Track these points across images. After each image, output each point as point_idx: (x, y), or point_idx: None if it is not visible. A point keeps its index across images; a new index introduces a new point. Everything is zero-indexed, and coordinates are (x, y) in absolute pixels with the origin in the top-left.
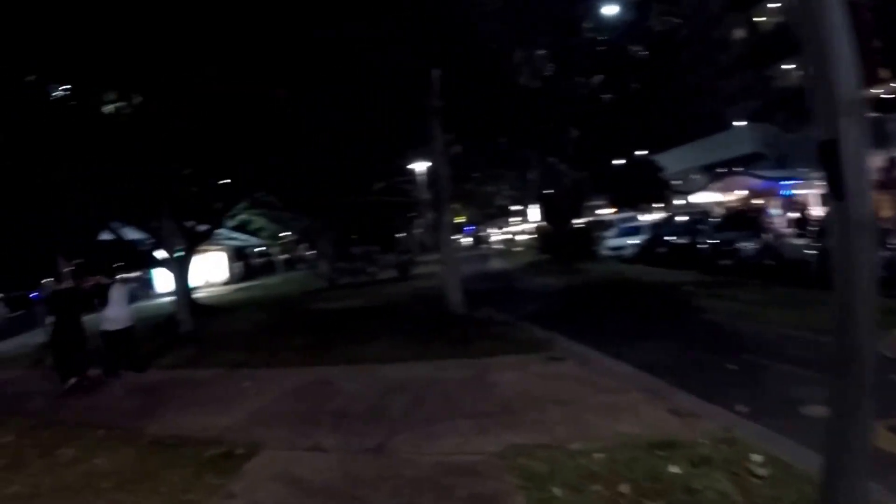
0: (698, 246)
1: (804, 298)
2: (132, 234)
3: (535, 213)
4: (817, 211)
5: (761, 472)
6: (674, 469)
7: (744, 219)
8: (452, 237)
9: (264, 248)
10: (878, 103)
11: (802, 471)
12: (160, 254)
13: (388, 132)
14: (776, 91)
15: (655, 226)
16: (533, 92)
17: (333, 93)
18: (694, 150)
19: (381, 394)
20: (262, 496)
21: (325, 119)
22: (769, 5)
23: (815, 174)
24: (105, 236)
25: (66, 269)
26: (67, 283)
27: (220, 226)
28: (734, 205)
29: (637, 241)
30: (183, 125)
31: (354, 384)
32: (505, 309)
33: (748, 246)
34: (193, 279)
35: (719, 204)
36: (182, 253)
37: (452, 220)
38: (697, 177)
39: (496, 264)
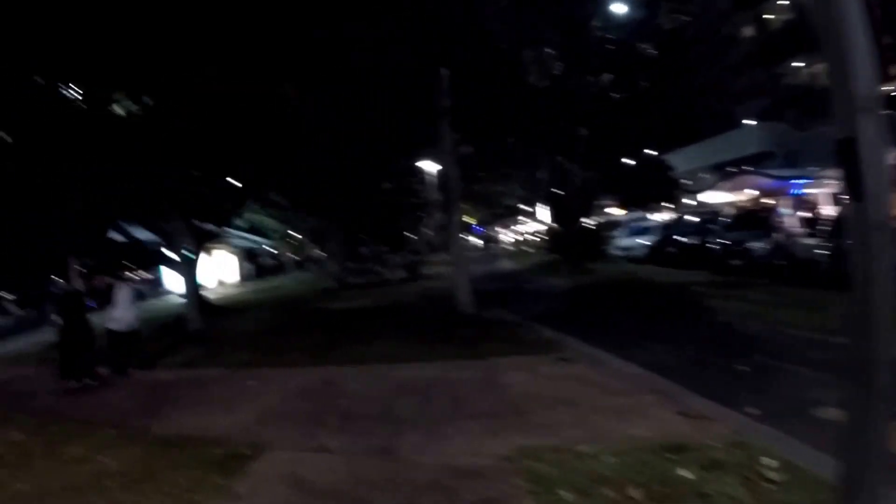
0: (708, 246)
1: (816, 299)
2: (141, 233)
3: (544, 213)
4: (828, 210)
5: (774, 476)
6: (685, 473)
7: (754, 218)
8: (461, 237)
9: (274, 249)
10: (890, 101)
11: (816, 476)
12: (169, 254)
13: (397, 132)
14: (786, 89)
15: (665, 226)
16: (542, 91)
17: (341, 93)
18: (703, 149)
19: (388, 394)
20: (267, 497)
21: (333, 119)
22: (778, 2)
23: (826, 173)
24: (115, 236)
25: (75, 269)
26: (76, 284)
27: (228, 226)
28: (744, 204)
29: (647, 241)
30: (191, 125)
31: (362, 384)
32: (514, 309)
33: (759, 246)
34: (203, 279)
35: (729, 203)
36: (190, 253)
37: (461, 220)
38: (706, 176)
39: (505, 264)
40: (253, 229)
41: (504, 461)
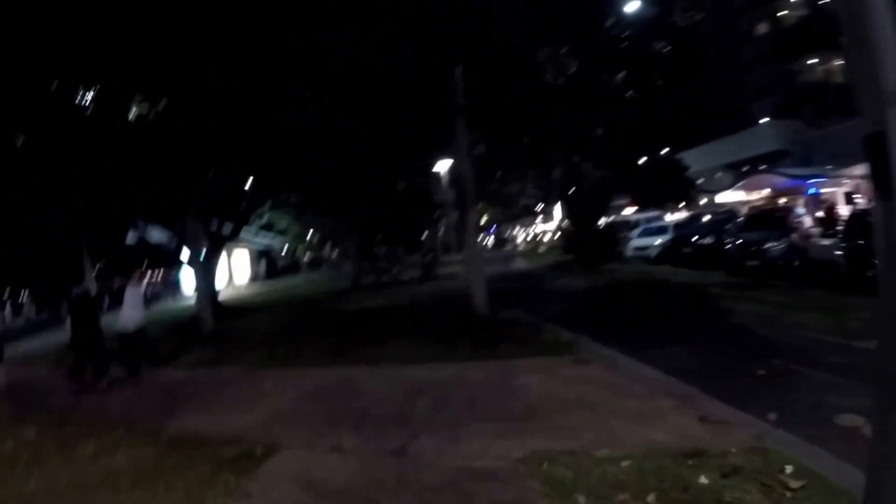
0: (725, 246)
1: (834, 302)
2: (158, 235)
3: (559, 212)
4: (845, 210)
5: (794, 484)
6: (703, 479)
7: (770, 218)
8: (476, 237)
9: (289, 249)
10: None
11: (837, 485)
12: (184, 254)
13: (411, 132)
14: (801, 86)
15: (680, 226)
16: (556, 89)
17: (355, 93)
18: (718, 148)
19: (403, 395)
20: (278, 497)
21: (347, 119)
22: None
23: (842, 171)
24: (131, 238)
25: (90, 271)
26: (88, 286)
27: (244, 226)
28: (760, 204)
29: (661, 242)
30: (205, 126)
31: (376, 385)
32: (529, 310)
33: (775, 246)
34: (218, 279)
35: (744, 203)
36: (205, 253)
37: (476, 220)
38: (721, 175)
39: (520, 264)
40: (269, 229)
41: (519, 464)
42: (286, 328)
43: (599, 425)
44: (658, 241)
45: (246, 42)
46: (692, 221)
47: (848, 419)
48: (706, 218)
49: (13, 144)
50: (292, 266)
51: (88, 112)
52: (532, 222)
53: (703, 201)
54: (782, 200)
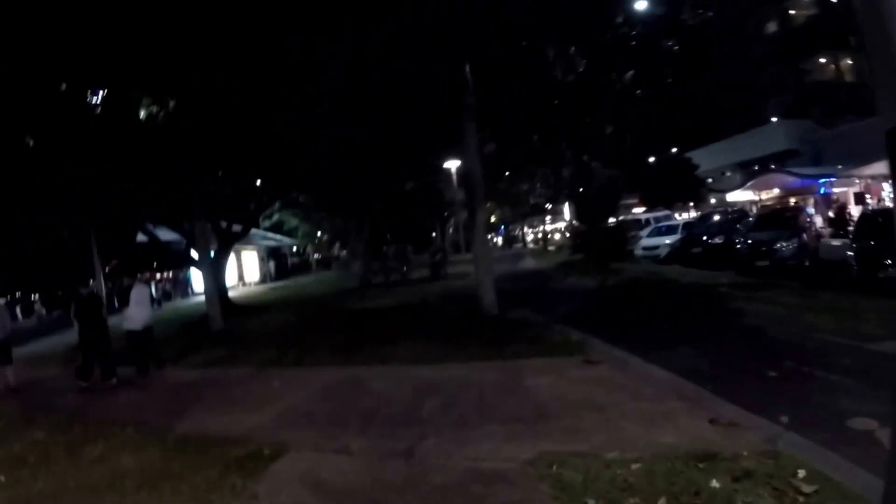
0: (735, 246)
1: (845, 303)
2: (167, 235)
3: (568, 212)
4: (856, 210)
5: (807, 489)
6: (714, 483)
7: (781, 218)
8: (486, 236)
9: (298, 248)
10: None
11: (850, 490)
12: (193, 254)
13: (421, 131)
14: (811, 85)
15: (690, 225)
16: (566, 87)
17: (364, 93)
18: (727, 147)
19: (411, 395)
20: (285, 499)
21: (356, 118)
22: None
23: (853, 171)
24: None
25: (99, 271)
26: (94, 287)
27: (253, 226)
28: (770, 203)
29: (672, 241)
30: (213, 127)
31: (385, 385)
32: (538, 309)
33: (786, 246)
34: (227, 279)
35: (755, 202)
36: (214, 253)
37: (486, 219)
38: (731, 174)
39: (529, 264)
40: (278, 229)
41: (528, 466)
42: (295, 327)
43: (609, 427)
44: (668, 240)
45: (251, 44)
46: (702, 221)
47: (861, 423)
48: (716, 217)
49: (24, 145)
50: (302, 266)
51: (97, 113)
52: (541, 221)
53: (713, 201)
54: (792, 200)
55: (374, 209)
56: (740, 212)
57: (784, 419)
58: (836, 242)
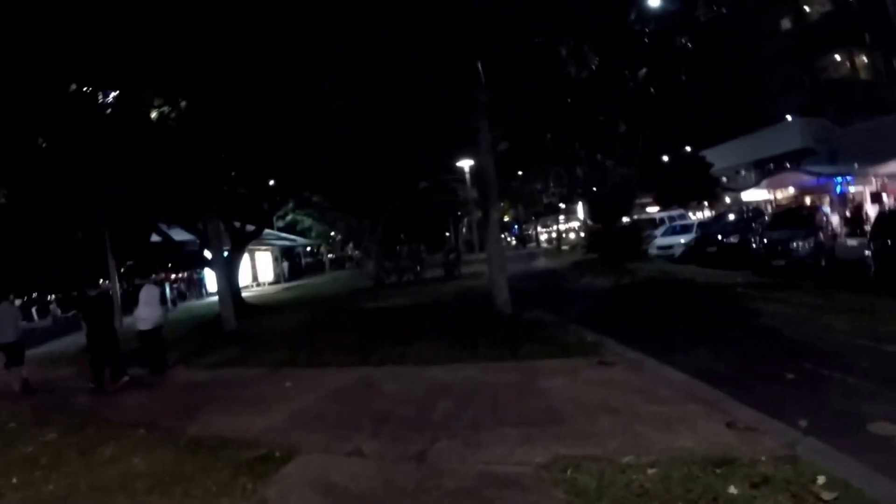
0: (751, 245)
1: (863, 303)
2: (181, 235)
3: (581, 211)
4: (872, 209)
5: (827, 496)
6: (732, 489)
7: (797, 217)
8: (499, 236)
9: (312, 248)
10: None
11: (873, 498)
12: (207, 254)
13: (434, 130)
14: (826, 82)
15: (705, 224)
16: (579, 85)
17: (378, 90)
18: (742, 146)
19: (424, 397)
20: (294, 503)
21: (369, 118)
22: None
23: (869, 169)
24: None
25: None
26: (104, 288)
27: (267, 226)
28: (786, 202)
29: (686, 241)
30: (224, 129)
31: (397, 386)
32: (552, 309)
33: (802, 246)
34: (241, 279)
35: (770, 201)
36: (228, 253)
37: (499, 218)
38: (746, 173)
39: (543, 263)
40: (292, 229)
41: (542, 470)
42: (308, 328)
43: (624, 430)
44: (682, 239)
45: (263, 43)
46: (717, 220)
47: (881, 427)
48: (731, 216)
49: (37, 146)
50: (315, 266)
51: (109, 113)
52: (555, 221)
53: (728, 199)
54: (808, 199)
55: (387, 209)
56: (756, 211)
57: (802, 423)
58: (852, 242)
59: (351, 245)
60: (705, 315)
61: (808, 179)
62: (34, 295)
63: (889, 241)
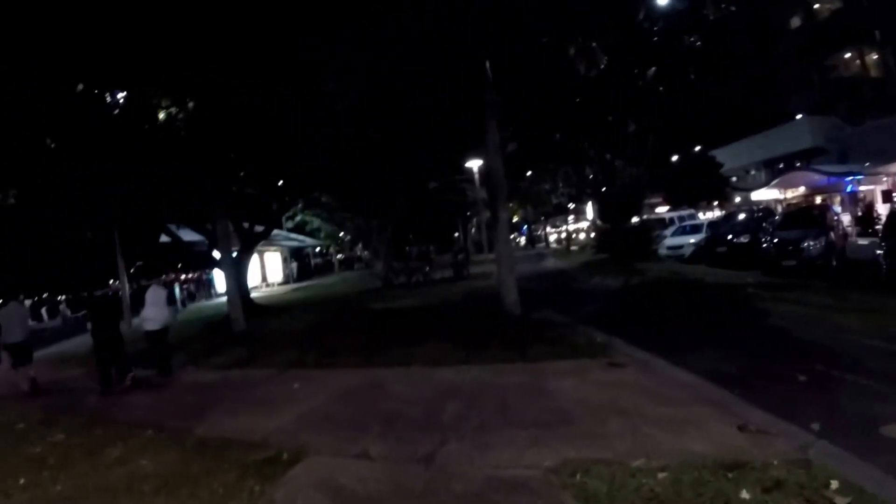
0: (761, 245)
1: (874, 303)
2: (190, 235)
3: (591, 211)
4: (883, 208)
5: (841, 501)
6: (744, 494)
7: (807, 216)
8: (508, 236)
9: (321, 249)
10: None
11: (887, 503)
12: (216, 255)
13: (443, 130)
14: (836, 81)
15: (715, 224)
16: (588, 85)
17: (387, 90)
18: (752, 145)
19: (433, 399)
20: None
21: (377, 118)
22: None
23: (880, 169)
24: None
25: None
26: (111, 289)
27: (276, 227)
28: (796, 202)
29: (696, 241)
30: (235, 127)
31: (406, 387)
32: (562, 310)
33: (813, 245)
34: (249, 279)
35: (780, 201)
36: (237, 254)
37: (508, 218)
38: (754, 172)
39: (552, 264)
40: (300, 229)
41: (551, 474)
42: (317, 328)
43: (634, 433)
44: (692, 239)
45: (270, 43)
46: (727, 220)
47: (895, 430)
48: (741, 216)
49: (45, 147)
50: (325, 266)
51: (116, 114)
52: (564, 221)
53: (738, 199)
54: (819, 198)
55: (396, 209)
56: (766, 210)
57: (815, 426)
58: (863, 241)
59: (360, 245)
60: (715, 315)
61: (818, 179)
62: (44, 295)
63: None
